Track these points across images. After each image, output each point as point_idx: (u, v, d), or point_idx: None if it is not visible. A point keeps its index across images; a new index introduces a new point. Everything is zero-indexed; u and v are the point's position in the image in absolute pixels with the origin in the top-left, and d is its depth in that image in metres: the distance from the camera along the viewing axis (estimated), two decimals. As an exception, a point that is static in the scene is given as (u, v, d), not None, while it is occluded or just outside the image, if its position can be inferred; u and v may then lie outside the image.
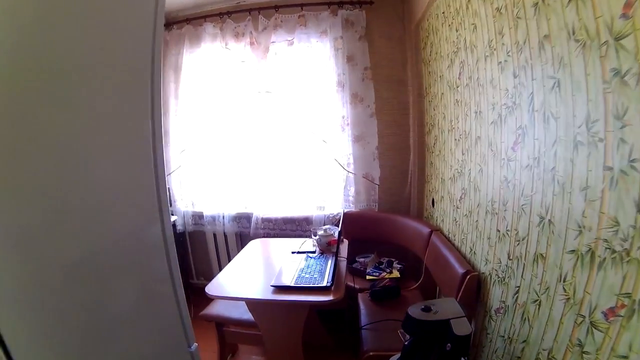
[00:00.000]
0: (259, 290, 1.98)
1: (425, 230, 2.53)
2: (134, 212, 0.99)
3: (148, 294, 1.04)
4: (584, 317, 1.01)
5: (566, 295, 1.09)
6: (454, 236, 2.20)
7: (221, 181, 3.43)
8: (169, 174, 3.42)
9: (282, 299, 1.88)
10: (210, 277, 3.61)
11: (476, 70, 1.77)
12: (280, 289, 1.94)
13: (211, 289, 2.03)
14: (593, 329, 0.97)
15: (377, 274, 2.64)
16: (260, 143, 3.24)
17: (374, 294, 2.38)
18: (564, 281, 1.10)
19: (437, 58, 2.45)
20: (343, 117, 3.03)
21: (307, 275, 2.05)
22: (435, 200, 2.68)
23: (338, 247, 2.38)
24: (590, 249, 0.98)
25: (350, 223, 2.97)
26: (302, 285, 1.95)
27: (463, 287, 1.73)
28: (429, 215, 2.86)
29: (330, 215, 3.14)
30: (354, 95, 2.98)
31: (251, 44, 3.11)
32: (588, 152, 0.98)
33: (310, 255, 2.38)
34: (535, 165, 1.26)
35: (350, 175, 3.10)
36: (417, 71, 2.92)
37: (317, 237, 2.49)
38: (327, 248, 2.43)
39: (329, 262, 2.23)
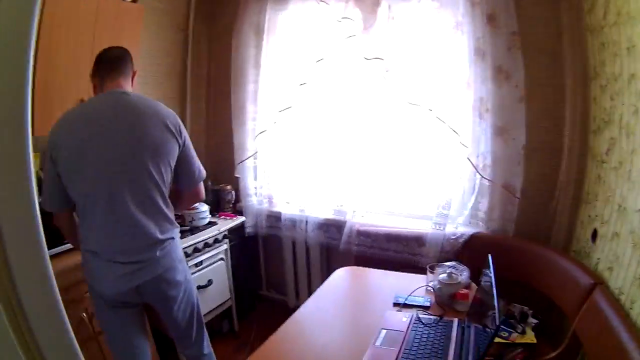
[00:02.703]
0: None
1: (584, 280, 2.19)
2: None
3: None
4: None
5: None
6: (633, 304, 1.91)
7: (308, 175, 3.42)
8: (241, 161, 3.50)
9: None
10: (283, 291, 3.72)
11: None
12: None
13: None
14: None
15: (507, 334, 2.44)
16: (364, 127, 3.14)
17: (501, 372, 2.15)
18: None
19: (620, 21, 2.07)
20: (481, 99, 2.78)
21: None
22: (598, 234, 2.37)
23: (499, 326, 1.53)
24: None
25: (475, 250, 2.78)
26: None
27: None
28: (581, 251, 2.52)
29: (452, 237, 2.94)
30: (498, 69, 2.70)
31: (355, -4, 2.98)
32: None
33: (422, 315, 2.00)
34: None
35: (485, 182, 2.88)
36: (578, 42, 2.58)
37: (436, 283, 2.19)
38: (448, 302, 2.12)
39: (453, 335, 1.82)
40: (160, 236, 1.96)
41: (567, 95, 2.71)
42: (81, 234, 1.96)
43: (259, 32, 3.30)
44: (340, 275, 2.62)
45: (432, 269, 2.31)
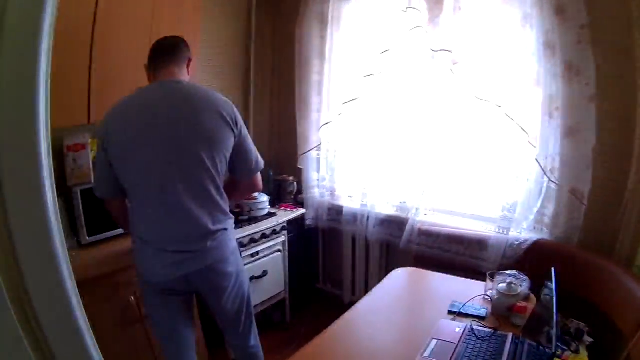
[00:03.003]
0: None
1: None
2: None
3: None
4: None
5: None
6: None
7: (372, 170, 3.45)
8: (304, 153, 3.59)
9: None
10: (339, 286, 3.82)
11: None
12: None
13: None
14: None
15: (560, 352, 2.35)
16: (429, 122, 3.13)
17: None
18: None
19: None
20: (551, 96, 2.68)
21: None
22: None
23: (555, 352, 1.63)
24: None
25: (537, 257, 2.72)
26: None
27: None
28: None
29: (515, 243, 2.87)
30: (567, 65, 2.59)
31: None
32: None
33: (476, 326, 1.97)
34: None
35: (552, 185, 2.78)
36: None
37: (494, 292, 2.16)
38: (504, 314, 2.08)
39: (505, 351, 1.78)
40: (212, 227, 2.00)
41: (638, 95, 2.55)
42: (131, 220, 2.05)
43: (323, 22, 3.38)
44: (398, 276, 2.66)
45: (492, 276, 2.28)
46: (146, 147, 1.90)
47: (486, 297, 2.25)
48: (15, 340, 0.75)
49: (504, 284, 2.15)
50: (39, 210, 0.78)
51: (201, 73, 3.17)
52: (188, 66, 2.15)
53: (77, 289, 0.86)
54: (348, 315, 2.18)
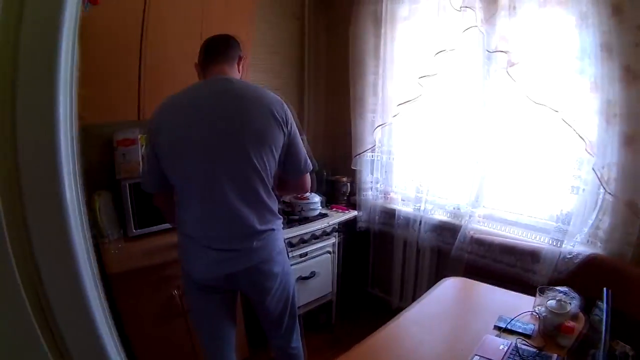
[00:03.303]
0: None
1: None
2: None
3: None
4: None
5: None
6: None
7: (426, 173, 3.40)
8: (358, 154, 3.59)
9: None
10: (387, 290, 3.82)
11: None
12: None
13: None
14: None
15: (608, 376, 2.22)
16: (484, 126, 3.04)
17: None
18: None
19: None
20: (609, 102, 2.53)
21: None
22: None
23: None
24: None
25: (589, 273, 2.58)
26: None
27: None
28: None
29: (568, 256, 2.73)
30: (626, 69, 2.43)
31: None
32: None
33: (521, 345, 1.91)
34: None
35: (609, 197, 2.62)
36: None
37: (543, 309, 2.08)
38: (551, 333, 1.99)
39: None
40: (259, 227, 1.99)
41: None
42: (178, 216, 2.07)
43: (377, 21, 3.37)
44: (448, 286, 2.62)
45: (542, 291, 2.21)
46: (194, 145, 1.91)
47: (534, 313, 2.17)
48: (31, 337, 0.77)
49: (554, 301, 2.07)
50: (56, 207, 0.80)
51: (256, 72, 3.25)
52: (239, 64, 2.16)
53: (99, 288, 0.88)
54: (393, 324, 2.17)
